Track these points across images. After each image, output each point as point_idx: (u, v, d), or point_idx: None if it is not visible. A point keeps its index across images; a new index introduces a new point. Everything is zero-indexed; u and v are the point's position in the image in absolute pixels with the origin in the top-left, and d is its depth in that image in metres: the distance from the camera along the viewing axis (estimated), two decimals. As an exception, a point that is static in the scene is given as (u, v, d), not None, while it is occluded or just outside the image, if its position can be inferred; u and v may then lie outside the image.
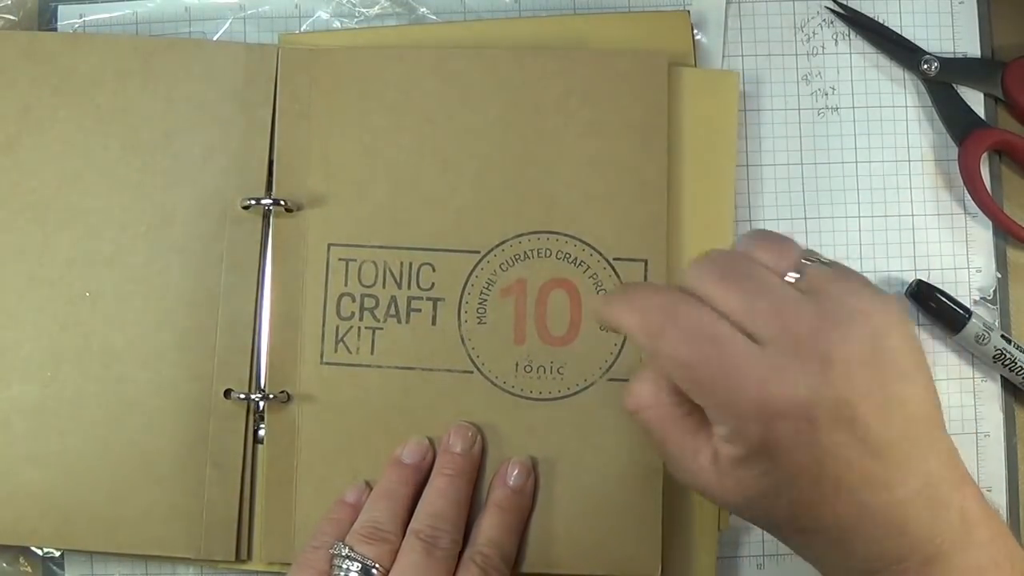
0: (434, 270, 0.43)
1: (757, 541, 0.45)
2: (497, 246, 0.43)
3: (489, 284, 0.43)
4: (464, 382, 0.42)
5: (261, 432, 0.43)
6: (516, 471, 0.41)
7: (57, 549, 0.44)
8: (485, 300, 0.42)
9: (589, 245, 0.42)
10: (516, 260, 0.43)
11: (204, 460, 0.42)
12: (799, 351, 0.31)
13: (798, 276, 0.33)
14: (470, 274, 0.43)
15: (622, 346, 0.42)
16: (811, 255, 0.34)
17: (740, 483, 0.33)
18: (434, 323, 0.42)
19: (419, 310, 0.42)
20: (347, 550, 0.38)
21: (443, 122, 0.43)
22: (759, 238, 0.34)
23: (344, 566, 0.37)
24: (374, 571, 0.37)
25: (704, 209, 0.43)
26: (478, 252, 0.43)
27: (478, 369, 0.42)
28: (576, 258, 0.42)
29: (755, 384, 0.31)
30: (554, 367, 0.42)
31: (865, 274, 0.45)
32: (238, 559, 0.43)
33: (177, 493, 0.42)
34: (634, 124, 0.43)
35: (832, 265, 0.34)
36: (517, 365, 0.42)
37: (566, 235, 0.43)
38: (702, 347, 0.32)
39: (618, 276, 0.42)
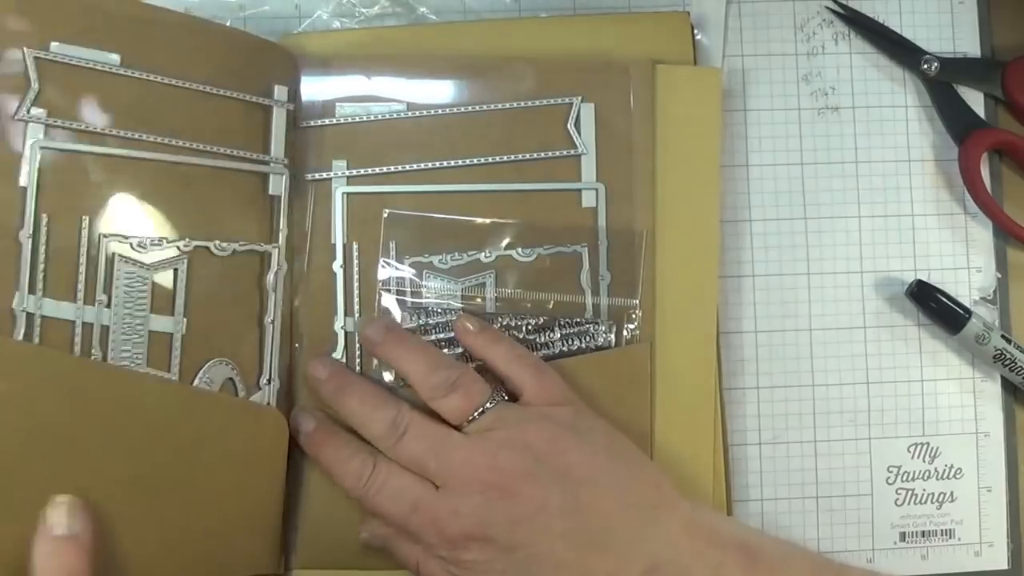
0: None
1: (757, 541, 0.44)
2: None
3: None
4: None
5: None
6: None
7: None
8: None
9: None
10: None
11: None
12: (461, 487, 0.37)
13: (476, 417, 0.38)
14: None
15: None
16: (497, 395, 0.39)
17: None
18: None
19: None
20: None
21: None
22: (457, 387, 0.38)
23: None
24: None
25: (689, 201, 0.43)
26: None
27: None
28: None
29: (439, 521, 0.37)
30: None
31: (865, 274, 0.46)
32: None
33: None
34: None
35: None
36: None
37: None
38: (399, 504, 0.38)
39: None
